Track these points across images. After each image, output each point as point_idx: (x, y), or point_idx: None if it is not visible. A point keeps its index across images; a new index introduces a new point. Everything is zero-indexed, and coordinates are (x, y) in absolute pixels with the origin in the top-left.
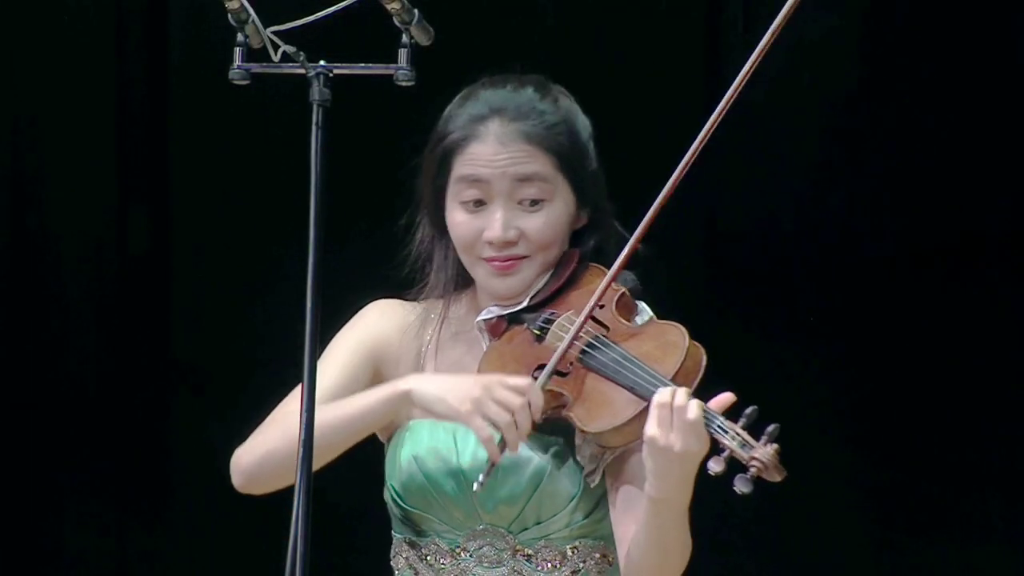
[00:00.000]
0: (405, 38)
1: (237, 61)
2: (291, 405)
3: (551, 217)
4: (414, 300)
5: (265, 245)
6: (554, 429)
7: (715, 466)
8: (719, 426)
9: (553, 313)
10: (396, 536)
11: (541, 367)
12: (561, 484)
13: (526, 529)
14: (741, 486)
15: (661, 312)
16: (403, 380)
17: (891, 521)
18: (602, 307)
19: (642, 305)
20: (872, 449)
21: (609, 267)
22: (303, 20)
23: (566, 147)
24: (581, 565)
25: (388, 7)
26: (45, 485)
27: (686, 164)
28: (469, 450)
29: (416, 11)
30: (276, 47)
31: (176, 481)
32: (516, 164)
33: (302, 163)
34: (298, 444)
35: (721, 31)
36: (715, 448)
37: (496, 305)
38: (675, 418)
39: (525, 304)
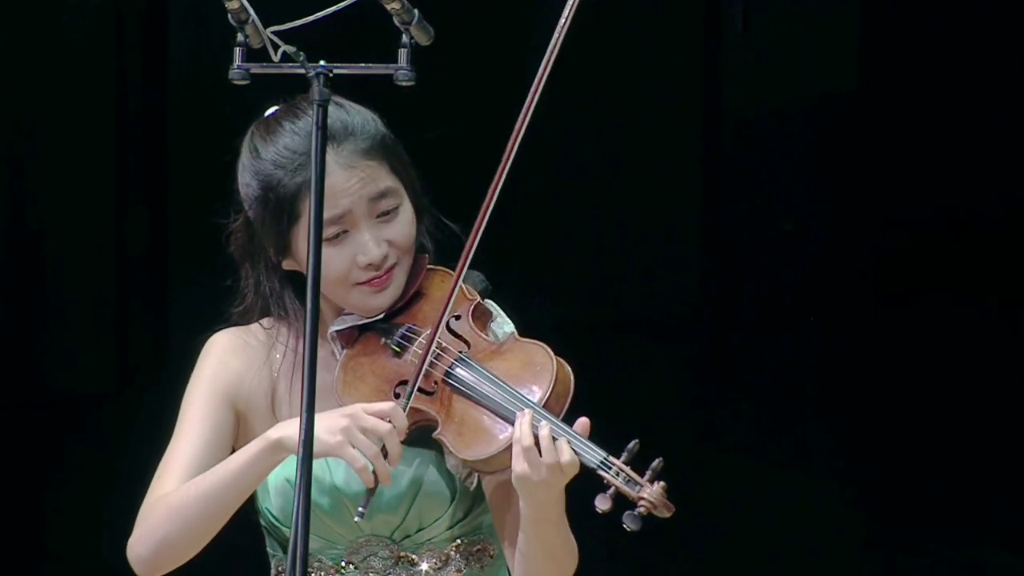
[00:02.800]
0: (405, 38)
1: (237, 61)
2: (162, 487)
3: (406, 218)
4: (248, 323)
5: None
6: (421, 439)
7: (602, 504)
8: (602, 462)
9: (411, 328)
10: (275, 557)
11: (403, 383)
12: (439, 488)
13: (408, 536)
14: (630, 523)
15: (658, 304)
16: (270, 431)
17: (890, 521)
18: (458, 318)
19: (496, 308)
20: (872, 449)
21: (453, 267)
22: (303, 20)
23: (391, 150)
24: (464, 562)
25: (388, 7)
26: (44, 485)
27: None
28: (342, 467)
29: (416, 11)
30: (276, 47)
31: None
32: (367, 184)
33: None
34: (299, 444)
35: (721, 31)
36: (600, 484)
37: (349, 315)
38: (545, 456)
39: (382, 315)
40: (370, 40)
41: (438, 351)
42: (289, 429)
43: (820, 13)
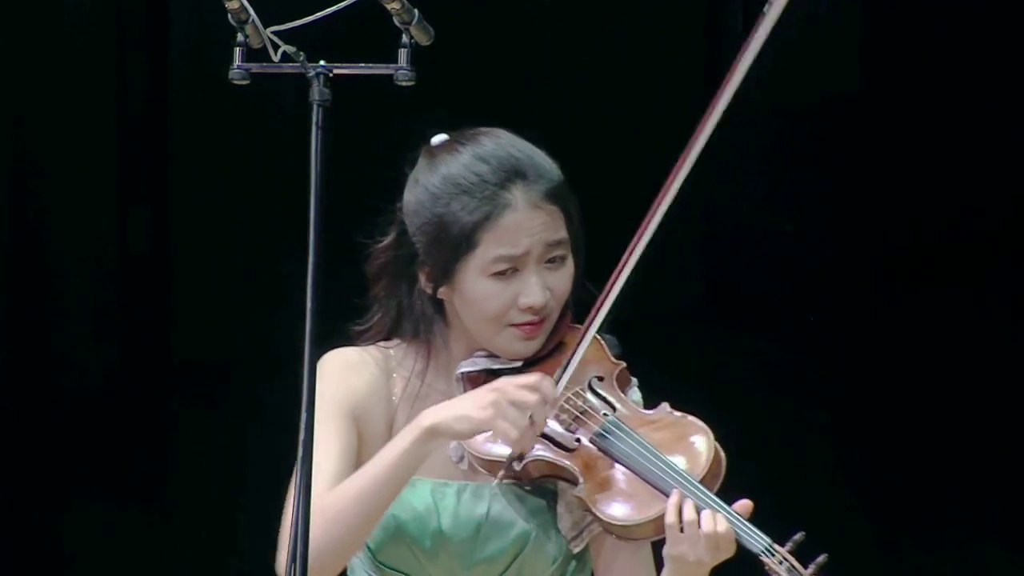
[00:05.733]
0: (405, 38)
1: (237, 61)
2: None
3: (569, 272)
4: (368, 344)
5: (265, 245)
6: (538, 491)
7: None
8: (767, 548)
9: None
10: None
11: (541, 436)
12: (544, 548)
13: None
14: None
15: (658, 306)
16: (419, 420)
17: (891, 521)
18: (601, 379)
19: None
20: (872, 450)
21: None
22: (303, 20)
23: (572, 201)
24: None
25: (388, 7)
26: (45, 486)
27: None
28: (449, 510)
29: (416, 11)
30: (276, 47)
31: (176, 480)
32: (547, 228)
33: (302, 163)
34: (299, 444)
35: (721, 31)
36: (760, 570)
37: (483, 357)
38: (704, 537)
39: (520, 364)
40: (370, 40)
41: (584, 410)
42: (439, 414)
43: (821, 14)
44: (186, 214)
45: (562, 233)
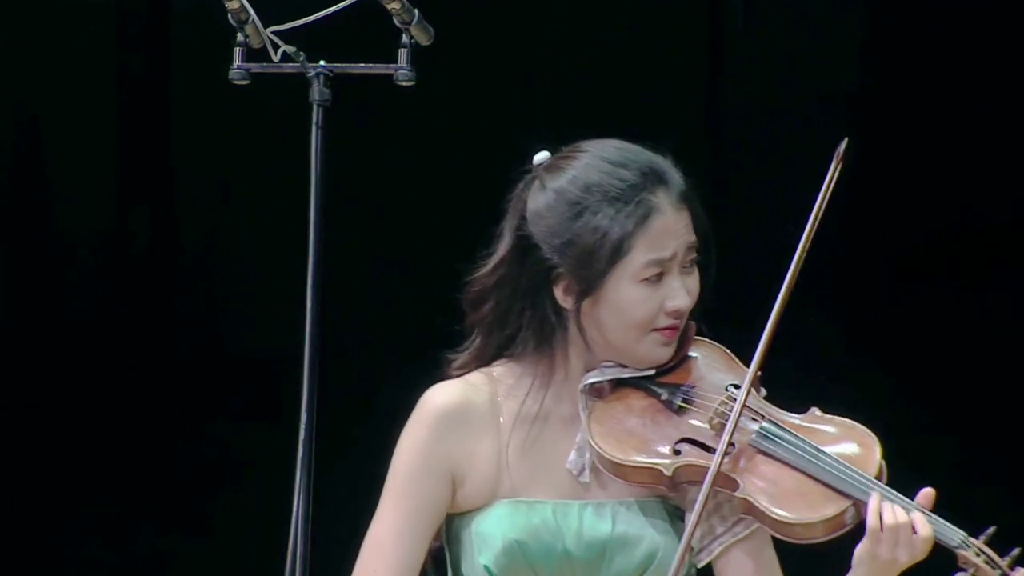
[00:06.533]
0: (405, 38)
1: (237, 61)
2: (368, 571)
3: (698, 274)
4: (470, 369)
5: (265, 245)
6: (663, 504)
7: None
8: (963, 541)
9: (691, 387)
10: None
11: (686, 440)
12: (670, 564)
13: None
14: None
15: None
16: None
17: None
18: (737, 387)
19: None
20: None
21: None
22: (303, 20)
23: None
24: None
25: (388, 7)
26: (48, 486)
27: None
28: (572, 531)
29: (416, 11)
30: (276, 47)
31: (178, 481)
32: (688, 230)
33: (302, 163)
34: (299, 443)
35: (722, 31)
36: (952, 562)
37: (611, 367)
38: (902, 534)
39: (652, 371)
40: (370, 40)
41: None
42: None
43: (822, 13)
44: (187, 214)
45: (694, 236)
